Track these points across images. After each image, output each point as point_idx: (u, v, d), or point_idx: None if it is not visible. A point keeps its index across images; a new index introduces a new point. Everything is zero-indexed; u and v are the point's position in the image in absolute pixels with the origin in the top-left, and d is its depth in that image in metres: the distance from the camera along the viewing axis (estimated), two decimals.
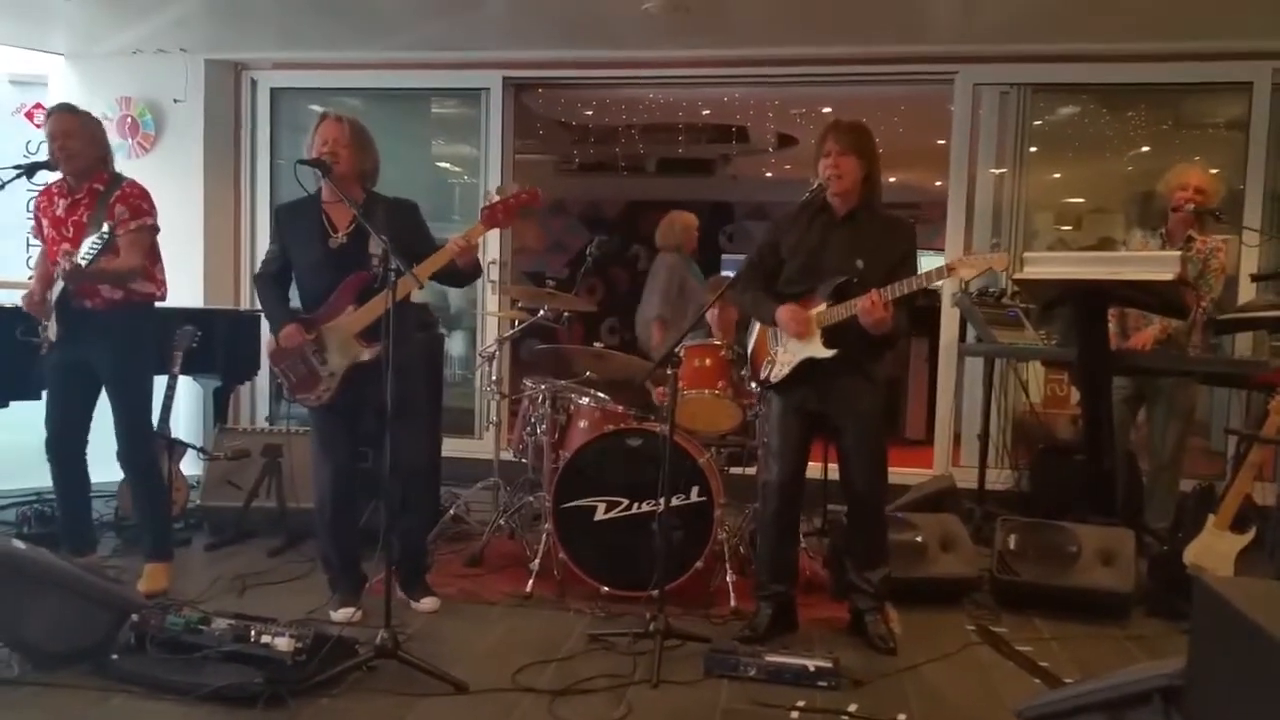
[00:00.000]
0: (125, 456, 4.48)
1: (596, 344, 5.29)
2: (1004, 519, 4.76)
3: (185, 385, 5.98)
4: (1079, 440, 5.34)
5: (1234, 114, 6.57)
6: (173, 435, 5.34)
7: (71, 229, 4.31)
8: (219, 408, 6.31)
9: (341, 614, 4.18)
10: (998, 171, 6.91)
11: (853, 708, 3.43)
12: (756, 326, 4.28)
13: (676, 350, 4.14)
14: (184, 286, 5.96)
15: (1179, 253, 4.78)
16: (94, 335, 4.34)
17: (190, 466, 5.79)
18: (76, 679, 3.47)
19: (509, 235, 7.36)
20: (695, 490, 4.45)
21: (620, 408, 4.91)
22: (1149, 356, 5.18)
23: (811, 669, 3.62)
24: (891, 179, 10.65)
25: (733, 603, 4.39)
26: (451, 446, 6.10)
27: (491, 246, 7.06)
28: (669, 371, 4.03)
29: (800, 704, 3.45)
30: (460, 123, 7.91)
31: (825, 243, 4.00)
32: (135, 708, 3.32)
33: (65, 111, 4.43)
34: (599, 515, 4.53)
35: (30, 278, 4.68)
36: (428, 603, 4.37)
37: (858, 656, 3.91)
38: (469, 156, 7.71)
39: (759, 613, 4.14)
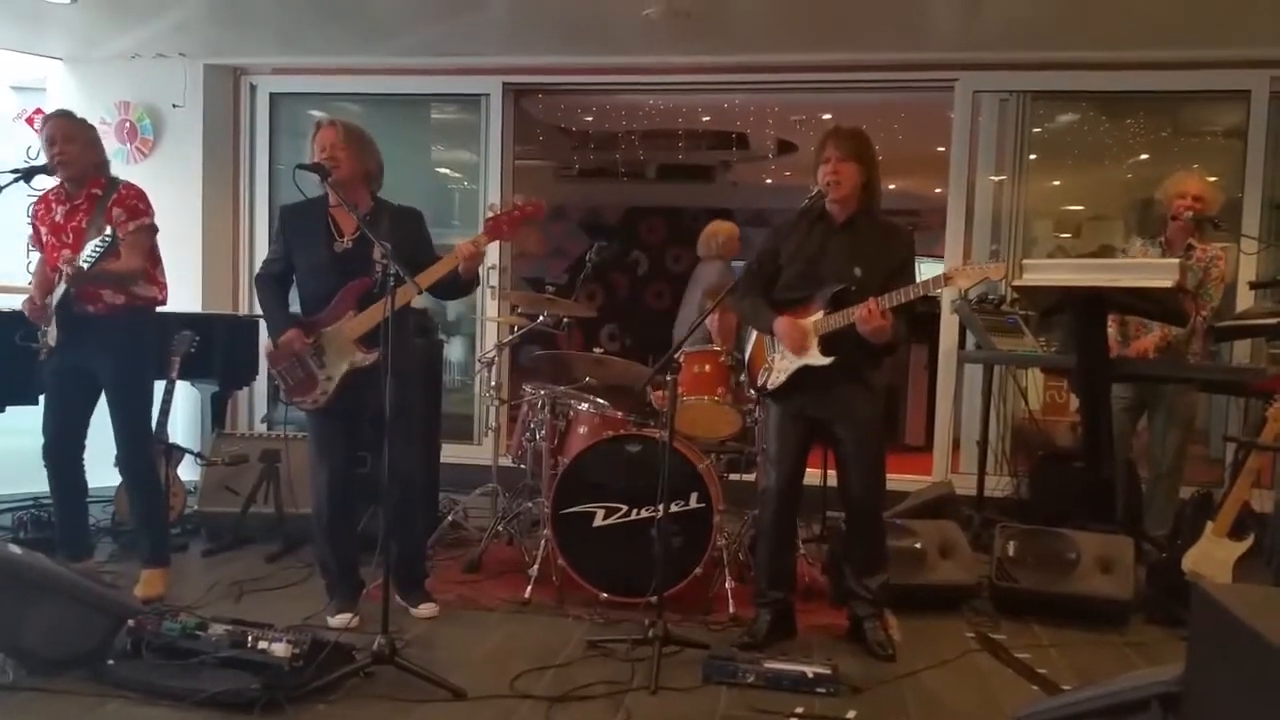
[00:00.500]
0: (124, 462, 4.48)
1: (596, 349, 5.29)
2: (1003, 526, 4.76)
3: (183, 390, 5.98)
4: (1078, 447, 5.34)
5: (1232, 122, 6.58)
6: (170, 440, 5.32)
7: (71, 235, 4.31)
8: (217, 413, 6.30)
9: (339, 620, 4.17)
10: (997, 179, 6.92)
11: (851, 714, 3.43)
12: (754, 334, 4.27)
13: (675, 356, 4.14)
14: (182, 291, 5.95)
15: (1178, 260, 4.79)
16: (95, 341, 4.34)
17: (188, 472, 5.78)
18: (73, 685, 3.45)
19: (508, 241, 7.34)
20: (694, 496, 4.44)
21: (619, 413, 4.90)
22: (1148, 364, 5.19)
23: (810, 675, 3.61)
24: (891, 186, 10.67)
25: (731, 609, 4.38)
26: (450, 452, 6.10)
27: (491, 252, 7.05)
28: (668, 377, 4.03)
29: (799, 710, 3.45)
30: (460, 128, 7.91)
31: (824, 250, 4.00)
32: (131, 713, 3.31)
33: (61, 117, 4.44)
34: (598, 521, 4.52)
35: (30, 284, 4.68)
36: (426, 609, 4.36)
37: (856, 663, 3.90)
38: (469, 162, 7.71)
39: (758, 619, 4.13)
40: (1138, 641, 4.30)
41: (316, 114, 7.26)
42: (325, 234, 4.18)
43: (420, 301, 4.43)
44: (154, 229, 4.46)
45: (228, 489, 5.54)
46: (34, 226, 4.49)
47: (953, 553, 4.67)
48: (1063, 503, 5.21)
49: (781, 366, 4.03)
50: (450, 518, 5.63)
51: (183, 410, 6.46)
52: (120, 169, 5.09)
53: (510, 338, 6.07)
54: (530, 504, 5.38)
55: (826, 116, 8.60)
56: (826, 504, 5.28)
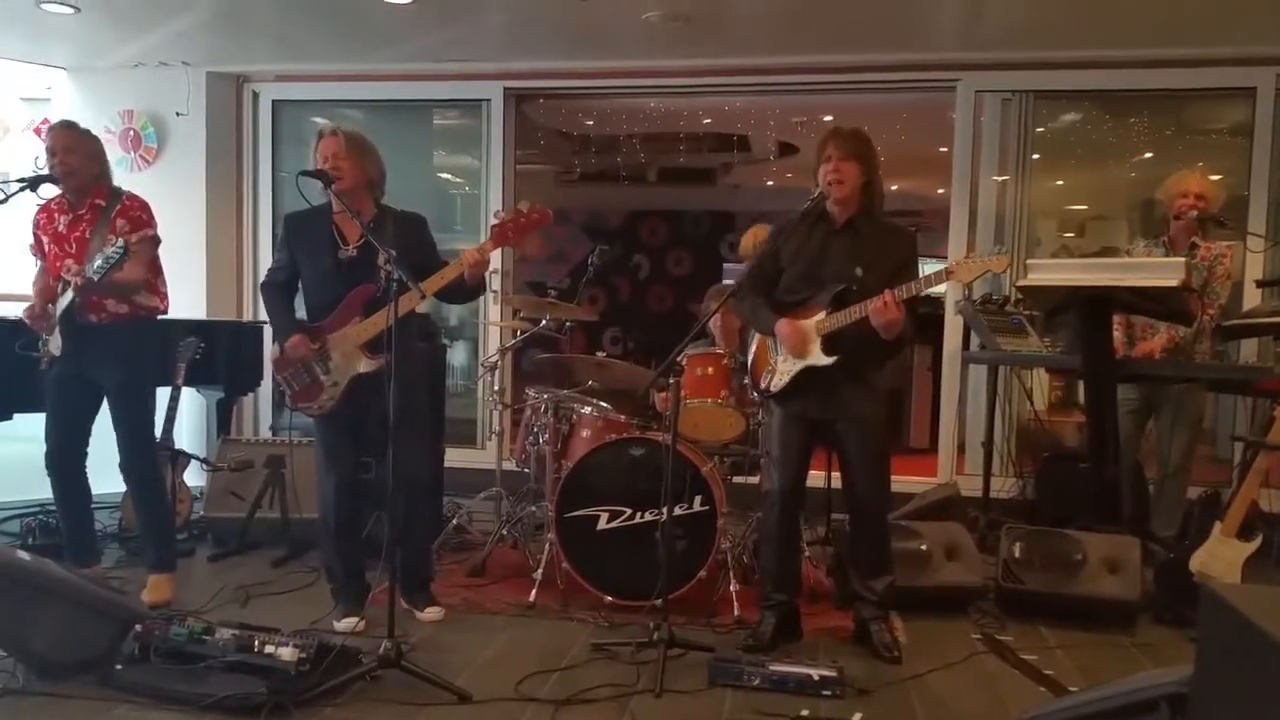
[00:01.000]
0: (128, 468, 4.49)
1: (599, 353, 5.29)
2: (1009, 527, 4.75)
3: (188, 396, 5.99)
4: (1084, 447, 5.33)
5: (1237, 120, 6.57)
6: (176, 446, 5.33)
7: (74, 245, 4.33)
8: (222, 419, 6.31)
9: (345, 624, 4.17)
10: (1000, 179, 6.91)
11: (857, 717, 3.42)
12: (756, 336, 4.27)
13: (678, 359, 4.13)
14: (186, 298, 5.97)
15: (1183, 259, 4.78)
16: (98, 350, 4.35)
17: (193, 478, 5.78)
18: (81, 689, 3.46)
19: (513, 247, 7.34)
20: (698, 499, 4.44)
21: (623, 417, 4.90)
22: (1154, 363, 5.17)
23: (816, 678, 3.60)
24: (894, 187, 10.67)
25: (736, 612, 4.38)
26: (454, 457, 6.09)
27: (494, 257, 7.02)
28: (671, 380, 4.03)
29: (804, 713, 3.44)
30: (462, 133, 7.92)
31: (825, 251, 3.99)
32: (139, 718, 3.31)
33: (64, 128, 4.45)
34: (602, 525, 4.52)
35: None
36: (431, 613, 4.36)
37: (862, 665, 3.89)
38: (470, 167, 7.72)
39: (763, 622, 4.12)
40: (1145, 642, 4.28)
41: (319, 121, 7.27)
42: (330, 242, 4.19)
43: (424, 306, 4.43)
44: (157, 240, 4.48)
45: (233, 494, 5.55)
46: (35, 235, 4.50)
47: (958, 554, 4.66)
48: (1069, 503, 5.21)
49: (784, 369, 4.02)
50: (454, 522, 5.63)
51: (188, 416, 6.47)
52: (124, 177, 5.12)
53: (513, 342, 6.06)
54: (534, 508, 5.39)
55: (828, 118, 8.60)
56: (831, 506, 5.27)
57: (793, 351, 3.96)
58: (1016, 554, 4.58)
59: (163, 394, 5.16)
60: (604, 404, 5.01)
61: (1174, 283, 4.52)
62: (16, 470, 5.69)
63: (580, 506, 4.54)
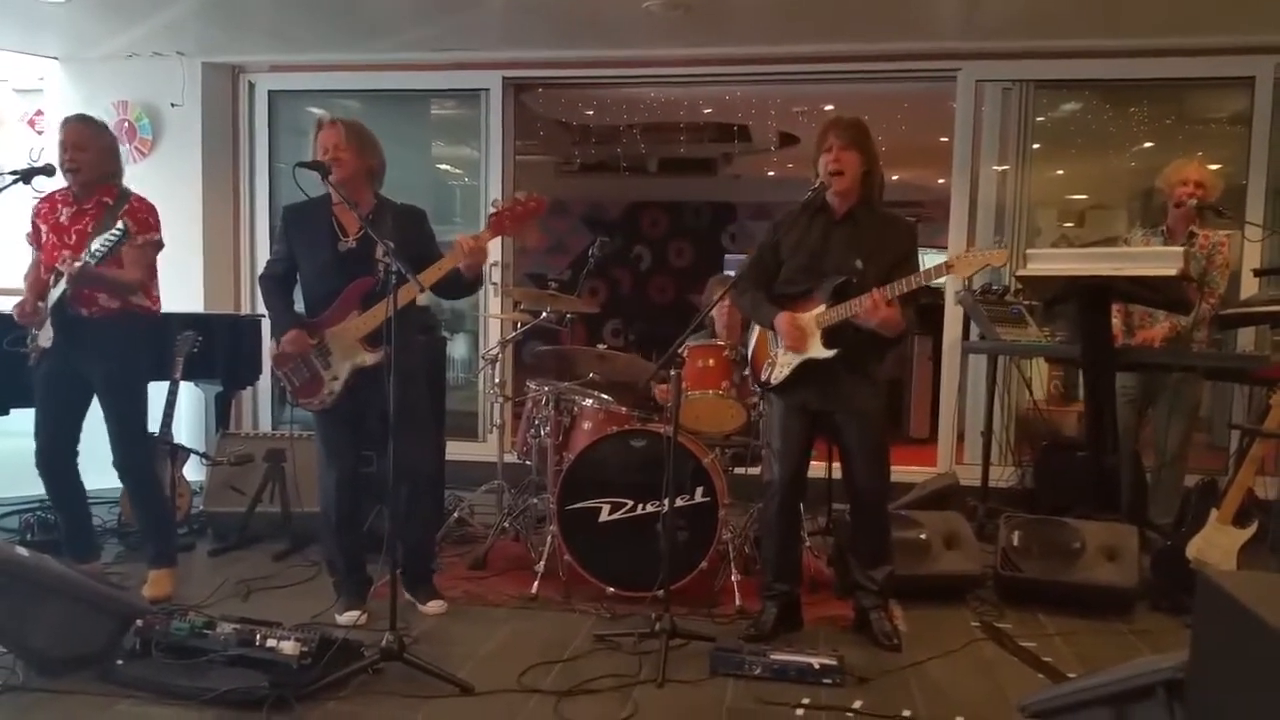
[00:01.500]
0: (121, 465, 4.47)
1: (600, 345, 5.30)
2: (1008, 516, 4.76)
3: (187, 390, 5.99)
4: (1083, 437, 5.33)
5: (1236, 109, 6.56)
6: (175, 441, 5.33)
7: (74, 237, 4.31)
8: (221, 413, 6.30)
9: (347, 617, 4.19)
10: (1000, 168, 6.90)
11: (858, 704, 3.44)
12: (756, 328, 4.27)
13: (680, 351, 4.14)
14: (184, 291, 5.96)
15: (1182, 248, 4.78)
16: (89, 344, 4.33)
17: (193, 472, 5.79)
18: (82, 685, 3.46)
19: (511, 236, 7.34)
20: (699, 491, 4.45)
21: (624, 409, 4.90)
22: (1152, 352, 5.18)
23: (817, 666, 3.62)
24: (894, 176, 10.66)
25: (737, 602, 4.39)
26: (455, 449, 6.09)
27: (493, 249, 7.02)
28: (672, 372, 4.03)
29: (806, 701, 3.45)
30: (460, 124, 7.91)
31: (825, 242, 4.00)
32: (141, 713, 3.32)
33: (77, 122, 4.41)
34: (603, 516, 4.53)
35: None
36: (434, 605, 4.37)
37: (863, 654, 3.91)
38: (469, 158, 7.69)
39: (764, 611, 4.14)
40: (1142, 629, 4.31)
41: (316, 111, 7.25)
42: (329, 234, 4.18)
43: (424, 299, 4.43)
44: (160, 246, 4.47)
45: (233, 489, 5.55)
46: (34, 224, 4.47)
47: (958, 543, 4.68)
48: (1067, 492, 5.22)
49: (785, 361, 4.03)
50: (456, 515, 5.64)
51: (187, 410, 6.47)
52: None
53: (513, 334, 6.06)
54: (535, 500, 5.39)
55: (829, 108, 8.57)
56: (832, 496, 5.28)
57: (792, 346, 3.96)
58: (1015, 542, 4.60)
59: (161, 388, 5.16)
60: (605, 396, 5.01)
61: (1173, 272, 4.52)
62: (14, 466, 5.68)
63: (582, 498, 4.55)
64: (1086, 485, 5.00)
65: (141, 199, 4.44)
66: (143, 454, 4.59)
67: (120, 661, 3.53)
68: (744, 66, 7.12)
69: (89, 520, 4.77)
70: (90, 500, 4.72)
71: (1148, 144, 7.07)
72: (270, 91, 7.64)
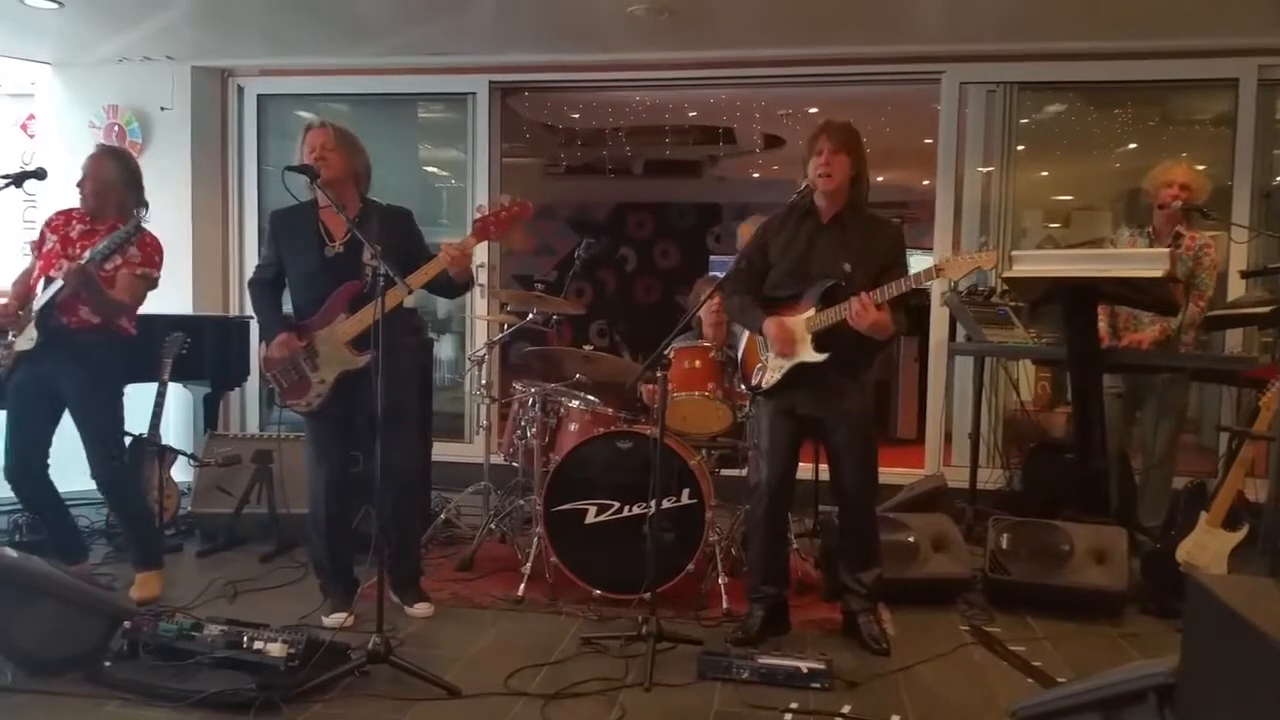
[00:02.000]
0: (96, 475, 4.45)
1: (586, 346, 5.29)
2: (996, 518, 4.77)
3: (175, 392, 5.96)
4: (1070, 439, 5.35)
5: (1220, 110, 6.59)
6: (163, 442, 5.31)
7: (79, 250, 4.35)
8: (209, 414, 6.28)
9: (334, 619, 4.18)
10: (985, 170, 6.92)
11: (846, 709, 3.44)
12: (746, 332, 4.27)
13: (665, 352, 4.13)
14: (172, 293, 5.93)
15: (1168, 249, 4.80)
16: (64, 354, 4.33)
17: (181, 473, 5.76)
18: (69, 686, 3.46)
19: (495, 241, 7.33)
20: (686, 492, 4.45)
21: (610, 410, 4.90)
22: (1139, 353, 5.19)
23: (805, 670, 3.62)
24: (879, 178, 10.66)
25: (725, 605, 4.39)
26: (442, 451, 6.09)
27: (480, 251, 7.02)
28: (659, 374, 4.03)
29: (794, 706, 3.45)
30: (447, 127, 7.89)
31: (812, 246, 4.00)
32: (128, 715, 3.31)
33: (100, 154, 4.51)
34: (590, 518, 4.53)
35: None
36: (421, 608, 4.37)
37: (851, 658, 3.91)
38: (456, 161, 7.69)
39: (751, 614, 4.13)
40: (1132, 633, 4.31)
41: (305, 115, 7.25)
42: (316, 239, 4.19)
43: (411, 301, 4.43)
44: (154, 283, 4.50)
45: (221, 490, 5.54)
46: (43, 233, 4.50)
47: (946, 546, 4.68)
48: (1056, 494, 5.22)
49: (776, 364, 4.02)
50: (443, 516, 5.63)
51: (175, 412, 6.45)
52: None
53: (500, 336, 6.05)
54: (522, 502, 5.39)
55: (813, 110, 8.60)
56: (819, 498, 5.28)
57: (781, 351, 3.97)
58: (1004, 545, 4.60)
59: (149, 389, 5.14)
60: (591, 397, 5.01)
61: (1159, 273, 4.54)
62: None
63: (568, 500, 4.55)
64: (1075, 487, 5.01)
65: (153, 236, 4.48)
66: (117, 464, 4.56)
67: (108, 663, 3.52)
68: (728, 70, 7.13)
69: (72, 523, 4.75)
70: (77, 501, 4.71)
71: (1132, 145, 7.10)
72: (259, 95, 7.63)
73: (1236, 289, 6.04)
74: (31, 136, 7.69)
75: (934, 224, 6.88)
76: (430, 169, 8.32)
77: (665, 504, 4.32)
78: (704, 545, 4.44)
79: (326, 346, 4.13)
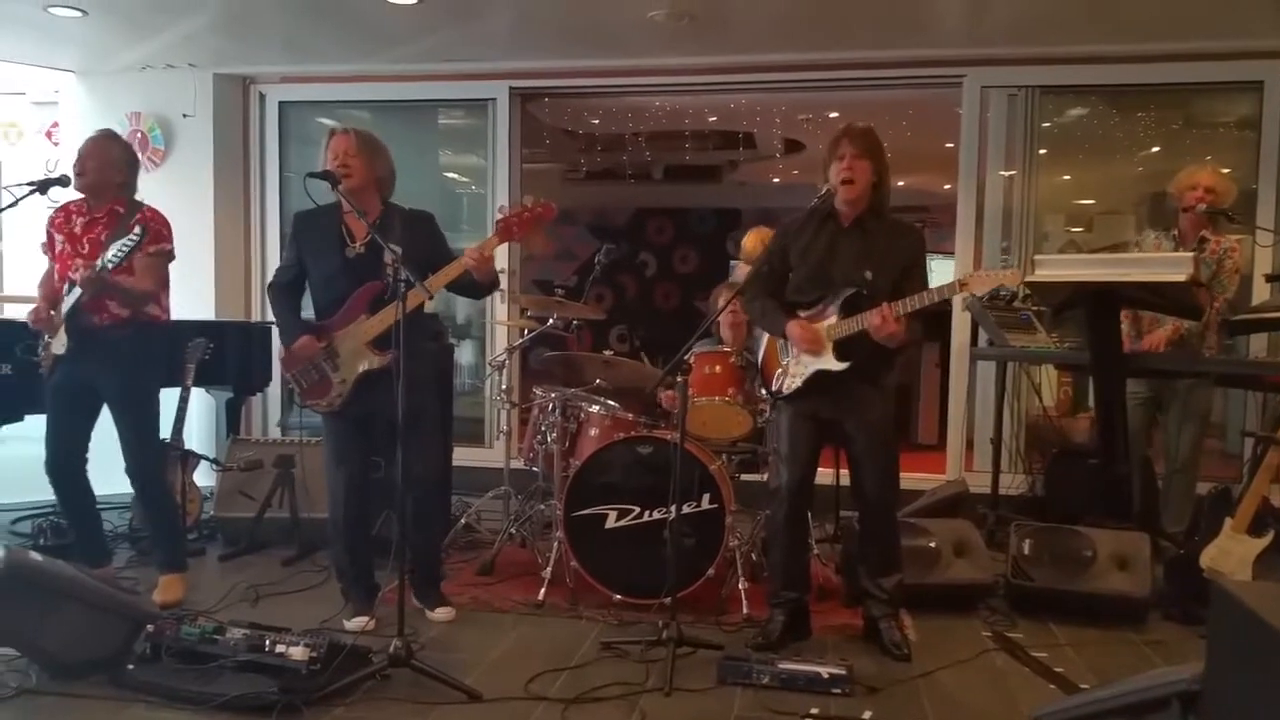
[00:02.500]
0: (133, 473, 4.48)
1: (606, 351, 5.29)
2: (1018, 524, 4.74)
3: (197, 397, 5.99)
4: (1093, 444, 5.32)
5: (1244, 113, 6.55)
6: (186, 447, 5.33)
7: (87, 245, 4.34)
8: (231, 419, 6.33)
9: (355, 623, 4.19)
10: (1007, 174, 6.90)
11: (868, 715, 3.42)
12: (765, 337, 4.27)
13: (686, 357, 4.13)
14: (195, 299, 5.99)
15: (1191, 254, 4.77)
16: (100, 353, 4.34)
17: (203, 478, 5.79)
18: (93, 689, 3.48)
19: (517, 243, 7.34)
20: (706, 497, 4.44)
21: (630, 415, 4.90)
22: (1162, 358, 5.17)
23: (825, 676, 3.60)
24: (900, 183, 10.60)
25: (745, 610, 4.38)
26: (462, 456, 6.09)
27: (501, 255, 7.05)
28: (679, 379, 4.02)
29: (814, 711, 3.44)
30: (468, 133, 7.92)
31: (833, 251, 3.99)
32: (151, 718, 3.32)
33: (95, 136, 4.49)
34: (610, 523, 4.52)
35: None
36: (443, 612, 4.37)
37: (872, 663, 3.90)
38: (477, 166, 7.72)
39: (772, 620, 4.12)
40: (1155, 640, 4.28)
41: (326, 122, 7.28)
42: (338, 240, 4.20)
43: (431, 306, 4.44)
44: (171, 256, 4.49)
45: (243, 494, 5.56)
46: (49, 234, 4.50)
47: (968, 552, 4.65)
48: (1078, 500, 5.19)
49: (797, 371, 4.02)
50: (463, 521, 5.64)
51: (198, 417, 6.48)
52: None
53: (520, 341, 6.07)
54: (542, 506, 5.38)
55: (834, 115, 8.60)
56: (840, 503, 5.27)
57: (808, 351, 3.95)
58: (1026, 551, 4.58)
59: (172, 394, 5.17)
60: (612, 402, 5.00)
61: (1182, 278, 4.50)
62: (28, 471, 5.69)
63: (588, 505, 4.55)
64: (1097, 493, 4.98)
65: (154, 210, 4.46)
66: (154, 461, 4.61)
67: (132, 666, 3.53)
68: (748, 75, 7.14)
69: (100, 525, 4.78)
70: (101, 506, 4.72)
71: (1155, 149, 7.05)
72: (281, 102, 7.70)
73: (1261, 293, 6.00)
74: (56, 144, 7.76)
75: (955, 229, 6.86)
76: (451, 175, 8.36)
77: (685, 509, 4.32)
78: (724, 550, 4.43)
79: (347, 346, 4.15)
